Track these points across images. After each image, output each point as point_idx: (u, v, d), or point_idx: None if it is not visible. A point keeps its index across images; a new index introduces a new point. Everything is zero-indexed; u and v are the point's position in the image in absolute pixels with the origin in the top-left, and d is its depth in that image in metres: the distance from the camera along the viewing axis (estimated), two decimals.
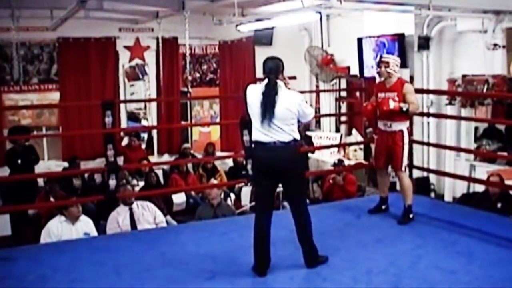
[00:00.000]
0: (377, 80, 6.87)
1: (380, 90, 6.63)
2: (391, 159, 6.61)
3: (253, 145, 5.21)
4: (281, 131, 4.99)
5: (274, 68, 5.06)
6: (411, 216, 6.59)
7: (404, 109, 6.44)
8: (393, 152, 6.52)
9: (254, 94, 5.07)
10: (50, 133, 12.55)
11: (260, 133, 5.04)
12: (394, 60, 6.61)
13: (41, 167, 11.16)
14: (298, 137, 5.11)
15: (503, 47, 9.30)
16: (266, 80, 5.06)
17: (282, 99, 4.99)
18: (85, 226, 7.49)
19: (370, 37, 11.62)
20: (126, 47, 12.81)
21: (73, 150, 12.05)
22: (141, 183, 10.64)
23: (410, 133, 6.67)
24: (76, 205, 7.48)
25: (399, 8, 9.05)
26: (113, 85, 12.68)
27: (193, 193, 10.85)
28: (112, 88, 12.64)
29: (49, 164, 12.00)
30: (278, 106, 4.96)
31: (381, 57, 6.77)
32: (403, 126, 6.55)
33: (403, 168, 6.60)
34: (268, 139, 5.01)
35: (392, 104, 6.38)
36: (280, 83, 5.06)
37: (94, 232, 7.56)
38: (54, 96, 12.20)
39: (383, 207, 6.94)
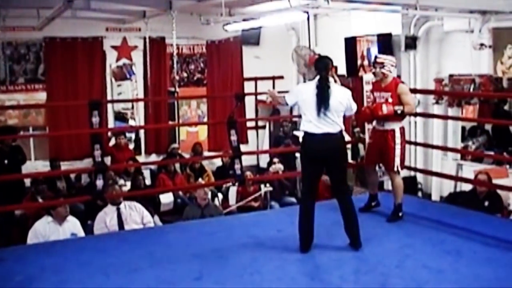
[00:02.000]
0: (373, 80, 6.87)
1: (376, 89, 6.66)
2: (382, 159, 6.61)
3: (303, 136, 5.72)
4: (331, 122, 5.58)
5: (324, 66, 5.74)
6: (400, 214, 6.62)
7: (399, 111, 6.45)
8: (385, 152, 6.52)
9: (308, 90, 5.68)
10: (37, 133, 12.46)
11: (312, 124, 5.58)
12: (389, 60, 6.62)
13: (28, 167, 11.10)
14: (343, 128, 5.73)
15: (490, 46, 9.36)
16: (318, 77, 5.68)
17: (334, 93, 5.64)
18: (72, 226, 7.46)
19: (357, 37, 11.64)
20: (113, 47, 12.74)
21: (60, 150, 12.00)
22: (128, 183, 10.60)
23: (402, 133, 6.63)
24: (64, 205, 7.45)
25: (386, 8, 9.07)
26: (100, 85, 12.60)
27: (180, 193, 10.83)
28: (99, 88, 12.56)
29: (36, 165, 11.92)
30: (331, 98, 5.59)
31: (376, 57, 6.78)
32: (395, 125, 6.52)
33: (395, 169, 6.58)
34: (320, 130, 5.56)
35: (385, 109, 6.38)
36: (330, 79, 5.73)
37: (81, 233, 7.54)
38: (41, 96, 12.12)
39: (373, 203, 6.95)
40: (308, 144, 5.69)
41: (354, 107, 5.88)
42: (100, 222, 7.80)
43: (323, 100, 5.56)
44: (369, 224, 6.27)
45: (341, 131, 5.69)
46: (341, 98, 5.68)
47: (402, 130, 6.62)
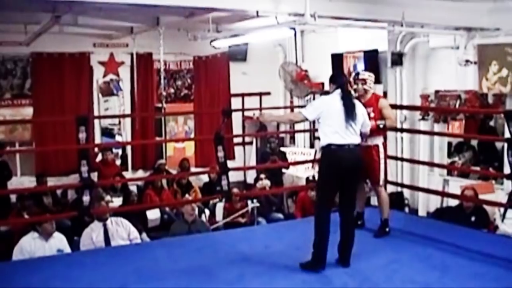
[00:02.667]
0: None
1: None
2: (368, 174, 6.64)
3: (326, 148, 5.71)
4: (355, 133, 5.72)
5: (344, 81, 5.93)
6: (387, 229, 6.65)
7: (381, 126, 6.53)
8: (371, 167, 6.55)
9: (333, 101, 5.74)
10: (23, 149, 12.39)
11: (339, 135, 5.64)
12: (370, 76, 6.71)
13: (13, 183, 11.04)
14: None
15: (475, 63, 9.42)
16: (339, 90, 5.77)
17: (357, 105, 5.84)
18: (59, 242, 7.41)
19: (344, 53, 11.70)
20: (101, 63, 12.72)
21: (47, 165, 11.92)
22: (115, 199, 10.55)
23: (384, 148, 6.72)
24: (50, 221, 7.40)
25: (372, 24, 9.12)
26: (87, 101, 12.57)
27: (167, 209, 10.80)
28: (86, 103, 12.52)
29: (22, 180, 11.83)
30: (356, 110, 5.77)
31: (357, 74, 6.83)
32: (378, 140, 6.61)
33: (381, 183, 6.65)
34: (347, 141, 5.64)
35: (358, 125, 6.43)
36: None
37: (67, 249, 7.48)
38: (28, 111, 12.06)
39: (359, 222, 6.96)
40: (334, 155, 5.67)
41: (369, 123, 6.11)
42: (87, 238, 7.75)
43: (351, 111, 5.69)
44: (356, 239, 6.25)
45: (359, 144, 5.83)
46: (362, 111, 5.92)
47: (384, 144, 6.76)
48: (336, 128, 5.63)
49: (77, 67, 12.40)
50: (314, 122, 6.01)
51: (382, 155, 6.62)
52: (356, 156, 5.71)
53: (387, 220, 6.67)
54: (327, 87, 12.28)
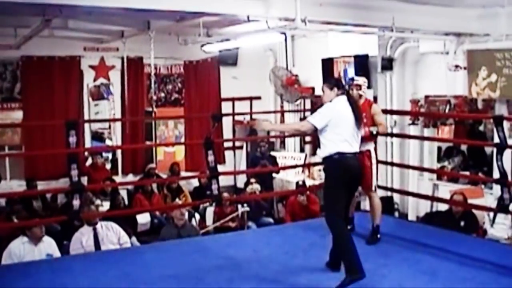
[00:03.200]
0: None
1: None
2: (361, 180, 6.64)
3: (333, 157, 5.49)
4: (358, 141, 5.68)
5: (348, 85, 6.04)
6: (378, 236, 6.64)
7: (374, 132, 6.54)
8: (363, 173, 6.54)
9: (342, 107, 5.59)
10: (13, 153, 12.34)
11: (347, 143, 5.51)
12: (364, 82, 6.72)
13: (2, 187, 10.99)
14: None
15: (464, 68, 9.45)
16: (345, 96, 5.64)
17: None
18: (48, 247, 7.39)
19: (334, 58, 11.72)
20: (91, 66, 12.71)
21: (36, 170, 11.88)
22: (105, 203, 10.54)
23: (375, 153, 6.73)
24: (39, 226, 7.38)
25: (363, 30, 9.15)
26: (77, 105, 12.55)
27: (157, 213, 10.79)
28: (76, 107, 12.51)
29: (11, 184, 11.80)
30: (363, 117, 5.81)
31: (352, 79, 6.84)
32: (370, 146, 6.61)
33: (373, 188, 6.65)
34: (354, 149, 5.57)
35: (362, 131, 6.44)
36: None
37: (57, 253, 7.46)
38: (17, 115, 12.03)
39: (349, 227, 6.95)
40: (345, 164, 5.50)
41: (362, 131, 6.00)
42: (76, 243, 7.73)
43: (359, 118, 5.62)
44: None
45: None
46: (363, 117, 5.88)
47: (375, 150, 6.75)
48: (345, 136, 5.50)
49: (67, 71, 12.38)
50: (307, 134, 5.95)
51: (374, 161, 6.62)
52: (359, 164, 5.74)
53: (378, 227, 6.64)
54: (318, 92, 12.44)
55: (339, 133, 5.49)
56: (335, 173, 5.54)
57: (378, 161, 6.83)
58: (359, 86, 6.63)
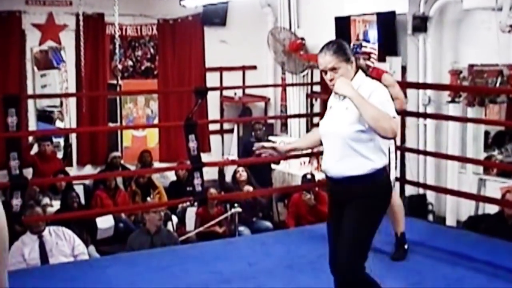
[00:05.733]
0: None
1: None
2: None
3: (379, 176, 4.61)
4: None
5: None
6: (406, 247, 6.57)
7: None
8: None
9: None
10: None
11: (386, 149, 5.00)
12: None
13: None
14: None
15: None
16: (362, 73, 4.73)
17: None
18: None
19: (351, 16, 11.69)
20: (36, 25, 12.65)
21: None
22: (55, 203, 10.53)
23: (402, 139, 6.66)
24: None
25: None
26: (18, 75, 12.52)
27: (123, 215, 10.78)
28: (17, 78, 12.49)
29: None
30: None
31: (359, 46, 6.83)
32: None
33: (392, 184, 6.60)
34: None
35: None
36: None
37: None
38: None
39: None
40: (388, 187, 4.77)
41: None
42: (16, 255, 7.68)
43: None
44: None
45: None
46: None
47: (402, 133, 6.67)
48: (386, 140, 4.58)
49: (4, 31, 12.36)
50: (315, 114, 5.86)
51: (392, 148, 6.50)
52: None
53: (403, 235, 6.54)
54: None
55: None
56: (384, 201, 4.72)
57: (405, 149, 6.72)
58: (368, 55, 6.62)
